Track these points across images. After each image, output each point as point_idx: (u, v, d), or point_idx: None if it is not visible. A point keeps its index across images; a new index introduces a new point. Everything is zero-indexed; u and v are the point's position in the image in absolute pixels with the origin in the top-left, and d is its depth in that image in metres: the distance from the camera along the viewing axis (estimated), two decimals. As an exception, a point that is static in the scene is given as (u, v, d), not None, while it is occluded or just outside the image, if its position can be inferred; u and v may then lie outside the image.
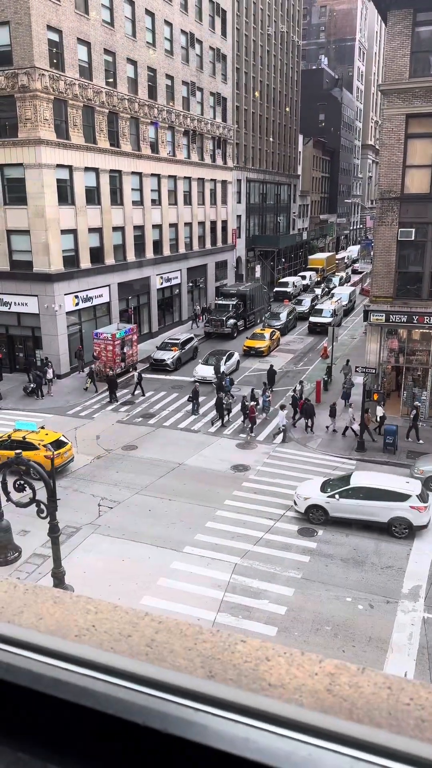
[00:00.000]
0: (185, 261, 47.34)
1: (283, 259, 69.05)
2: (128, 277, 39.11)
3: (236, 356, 35.69)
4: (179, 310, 47.88)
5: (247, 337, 40.43)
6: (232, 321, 42.97)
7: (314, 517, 18.53)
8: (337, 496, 18.21)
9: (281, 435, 25.23)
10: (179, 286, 47.04)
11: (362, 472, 19.81)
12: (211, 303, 48.24)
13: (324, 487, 18.85)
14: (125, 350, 34.13)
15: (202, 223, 50.26)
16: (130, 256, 39.35)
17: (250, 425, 25.84)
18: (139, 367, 35.92)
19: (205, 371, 32.81)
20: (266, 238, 64.97)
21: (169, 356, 35.19)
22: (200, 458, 23.56)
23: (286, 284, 59.91)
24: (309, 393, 31.28)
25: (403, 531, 17.72)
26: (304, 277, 65.08)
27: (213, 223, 52.55)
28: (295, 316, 47.99)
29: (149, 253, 41.69)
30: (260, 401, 27.58)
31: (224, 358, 34.21)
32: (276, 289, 59.63)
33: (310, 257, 75.01)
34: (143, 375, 34.84)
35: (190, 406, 29.13)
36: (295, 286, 60.28)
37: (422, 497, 17.78)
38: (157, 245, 43.10)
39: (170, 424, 27.30)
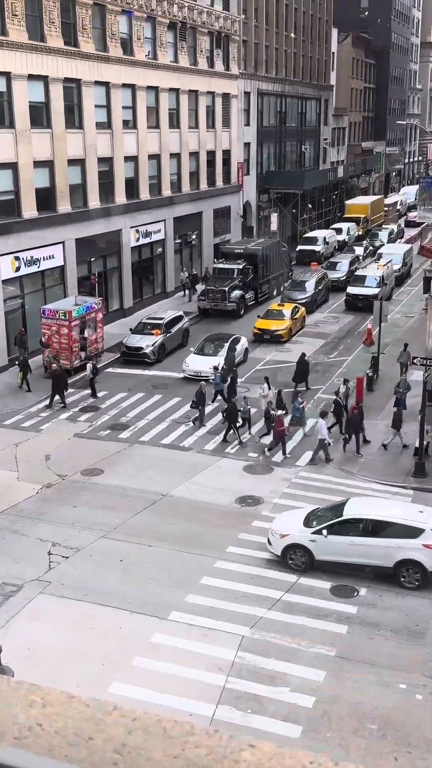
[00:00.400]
0: (171, 208, 47.33)
1: (310, 206, 69.04)
2: (90, 230, 39.12)
3: (244, 342, 35.73)
4: (163, 278, 47.82)
5: (258, 316, 40.49)
6: (237, 293, 43.00)
7: (295, 562, 18.90)
8: (324, 531, 18.65)
9: (319, 453, 25.32)
10: (163, 243, 47.00)
11: (360, 499, 20.28)
12: (208, 267, 48.27)
13: (309, 521, 19.27)
14: (86, 334, 34.09)
15: (194, 155, 50.24)
16: (93, 201, 39.35)
17: (273, 443, 25.80)
18: (107, 358, 35.91)
19: (199, 364, 32.82)
20: (286, 176, 64.90)
21: (148, 342, 35.21)
22: (192, 487, 23.54)
23: (314, 241, 59.83)
24: (349, 395, 31.35)
25: (414, 579, 18.08)
26: (339, 231, 65.01)
27: (211, 155, 52.55)
28: (327, 286, 48.06)
29: (120, 197, 41.68)
30: (288, 409, 27.37)
31: (227, 345, 34.22)
32: (300, 247, 59.53)
33: (347, 203, 75.00)
34: (112, 369, 34.78)
35: (177, 414, 29.21)
36: (327, 244, 60.22)
37: None
38: (132, 186, 43.08)
39: (150, 438, 27.27)
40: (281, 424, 25.52)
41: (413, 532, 18.21)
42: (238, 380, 31.45)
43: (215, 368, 30.63)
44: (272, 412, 26.20)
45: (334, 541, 18.57)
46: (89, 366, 31.12)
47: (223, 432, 27.08)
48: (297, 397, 27.94)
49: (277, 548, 19.09)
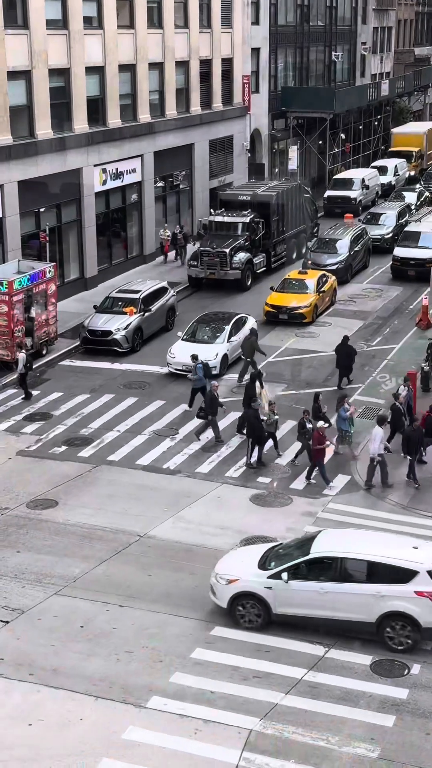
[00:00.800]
0: (151, 139, 47.25)
1: (343, 136, 68.88)
2: (39, 169, 39.03)
3: (251, 324, 35.69)
4: (140, 235, 47.69)
5: (272, 288, 40.44)
6: (242, 256, 42.94)
7: (246, 617, 19.20)
8: (284, 575, 18.83)
9: (379, 474, 25.39)
10: (139, 187, 46.96)
11: (335, 532, 20.80)
12: (202, 221, 48.19)
13: (266, 561, 19.47)
14: (33, 312, 34.01)
15: (183, 65, 50.16)
16: (43, 129, 39.26)
17: (312, 467, 25.70)
18: (62, 345, 35.81)
19: (186, 354, 32.66)
20: (310, 94, 64.71)
21: (118, 325, 35.20)
22: (180, 524, 23.47)
23: (348, 184, 59.58)
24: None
25: (404, 639, 18.49)
26: (383, 171, 64.78)
27: (205, 65, 52.45)
28: (367, 247, 48.06)
29: (80, 124, 41.61)
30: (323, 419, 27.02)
31: (228, 327, 34.25)
32: (329, 193, 59.30)
33: (394, 131, 74.82)
34: (69, 361, 34.68)
35: (159, 424, 29.15)
36: (367, 188, 59.99)
37: None
38: (97, 108, 43.00)
39: (122, 457, 27.25)
40: (321, 441, 25.32)
41: (403, 576, 18.45)
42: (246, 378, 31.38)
43: (194, 357, 30.54)
44: (308, 424, 26.05)
45: (297, 588, 18.81)
46: (21, 357, 30.98)
47: (252, 453, 26.90)
48: (343, 402, 27.32)
49: (223, 598, 19.32)
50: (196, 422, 29.28)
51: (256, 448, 26.82)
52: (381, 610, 18.44)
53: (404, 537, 20.81)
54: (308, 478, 25.73)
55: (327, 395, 29.83)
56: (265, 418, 26.85)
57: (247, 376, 30.85)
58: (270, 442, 27.27)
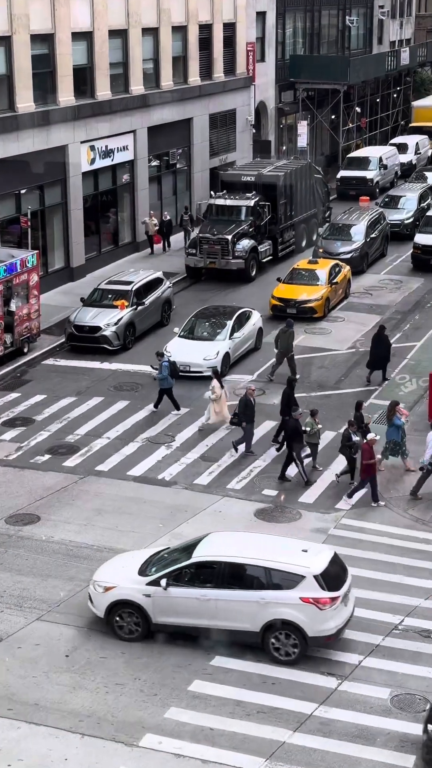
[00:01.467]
0: (144, 113, 47.26)
1: (359, 109, 68.90)
2: (20, 146, 39.07)
3: (256, 319, 35.77)
4: (132, 220, 47.70)
5: (279, 279, 40.45)
6: (246, 243, 42.98)
7: (126, 628, 19.61)
8: (163, 581, 19.20)
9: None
10: (131, 167, 47.03)
11: (222, 535, 21.28)
12: (200, 204, 48.22)
13: (146, 567, 20.04)
14: (13, 307, 34.03)
15: (180, 30, 50.20)
16: (24, 102, 39.30)
17: (360, 486, 25.57)
18: (45, 343, 35.85)
19: (187, 353, 32.72)
20: (321, 63, 64.71)
21: (108, 320, 35.26)
22: (176, 541, 23.11)
23: (364, 163, 59.61)
24: (418, 400, 31.24)
25: (290, 649, 18.92)
26: (403, 148, 64.80)
27: (205, 30, 52.52)
28: (385, 234, 48.11)
29: (65, 96, 41.63)
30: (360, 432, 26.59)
31: (230, 323, 34.32)
32: (343, 173, 59.33)
33: (416, 105, 74.86)
34: (53, 360, 34.75)
35: (154, 431, 29.12)
36: (385, 168, 60.01)
37: (327, 580, 18.90)
38: (84, 79, 43.06)
39: (111, 467, 27.27)
40: (371, 455, 25.14)
41: (289, 581, 18.81)
42: (258, 378, 31.39)
43: (159, 355, 30.48)
44: (354, 437, 25.83)
45: (176, 595, 19.17)
46: None
47: (283, 463, 26.89)
48: (395, 409, 26.68)
49: (100, 608, 19.76)
50: (194, 426, 29.34)
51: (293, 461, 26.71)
52: (265, 618, 18.83)
53: (295, 540, 21.23)
54: (350, 496, 25.63)
55: (348, 397, 29.81)
56: (308, 429, 26.52)
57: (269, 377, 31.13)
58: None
